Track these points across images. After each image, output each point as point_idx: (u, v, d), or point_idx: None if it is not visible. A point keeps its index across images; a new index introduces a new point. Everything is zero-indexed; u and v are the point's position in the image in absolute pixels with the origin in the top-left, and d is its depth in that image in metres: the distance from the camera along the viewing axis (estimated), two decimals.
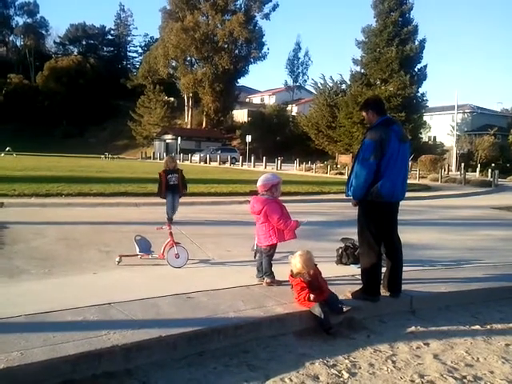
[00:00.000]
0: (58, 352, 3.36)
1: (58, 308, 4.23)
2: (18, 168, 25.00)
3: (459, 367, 3.81)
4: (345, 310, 4.52)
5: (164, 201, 9.80)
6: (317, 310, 4.35)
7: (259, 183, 5.49)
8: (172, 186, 9.63)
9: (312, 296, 4.44)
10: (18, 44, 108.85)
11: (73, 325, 3.88)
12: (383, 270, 5.09)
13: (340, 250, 6.55)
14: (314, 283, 4.57)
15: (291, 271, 4.75)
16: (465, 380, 3.59)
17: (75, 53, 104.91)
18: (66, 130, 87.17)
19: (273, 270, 5.40)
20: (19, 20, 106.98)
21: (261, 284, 5.33)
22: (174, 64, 75.54)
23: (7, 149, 55.20)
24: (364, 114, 5.16)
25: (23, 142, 71.02)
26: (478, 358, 4.00)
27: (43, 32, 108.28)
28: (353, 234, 5.72)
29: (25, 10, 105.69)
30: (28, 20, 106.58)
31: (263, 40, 72.97)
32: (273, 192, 5.43)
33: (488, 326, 4.79)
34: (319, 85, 56.22)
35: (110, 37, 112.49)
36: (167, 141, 67.94)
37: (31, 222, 9.33)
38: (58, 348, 3.42)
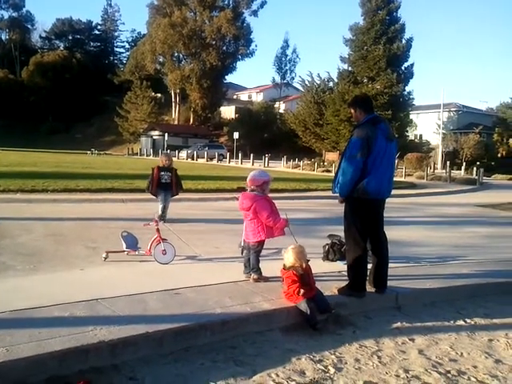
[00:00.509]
0: (45, 348, 3.35)
1: (45, 304, 4.21)
2: (3, 163, 24.73)
3: (443, 362, 3.87)
4: (333, 311, 4.55)
5: (150, 196, 9.75)
6: (303, 305, 4.38)
7: (251, 178, 5.45)
8: (164, 185, 9.28)
9: (302, 291, 4.45)
10: (3, 38, 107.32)
11: (59, 321, 3.87)
12: (369, 266, 5.13)
13: (327, 247, 6.59)
14: (306, 278, 4.59)
15: (284, 265, 4.76)
16: (449, 374, 3.64)
17: (61, 48, 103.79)
18: (51, 125, 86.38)
19: (260, 266, 5.42)
20: (4, 14, 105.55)
21: (248, 280, 5.35)
22: (161, 60, 75.16)
23: None
24: (352, 111, 5.19)
25: (8, 137, 70.15)
26: (461, 353, 4.06)
27: (29, 26, 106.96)
28: (339, 230, 5.76)
29: (10, 4, 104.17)
30: (13, 14, 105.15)
31: (251, 37, 72.92)
32: (263, 189, 5.43)
33: (472, 322, 4.86)
34: (307, 82, 56.30)
35: (96, 32, 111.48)
36: (154, 137, 67.60)
37: (17, 218, 9.25)
38: (45, 344, 3.40)
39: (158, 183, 9.25)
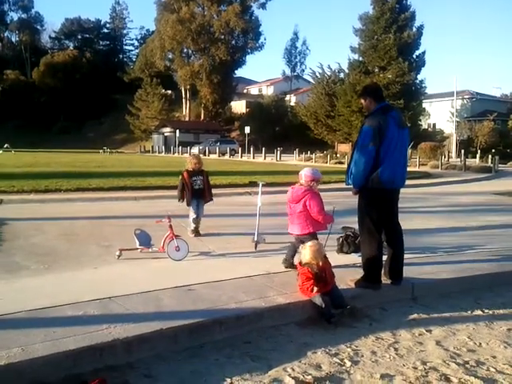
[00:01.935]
0: (59, 347, 3.35)
1: (59, 303, 4.22)
2: (17, 164, 24.96)
3: (462, 353, 3.81)
4: (348, 307, 4.51)
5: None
6: (317, 299, 4.35)
7: (307, 173, 5.61)
8: (197, 191, 7.85)
9: (316, 288, 4.43)
10: (14, 40, 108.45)
11: (74, 320, 3.87)
12: (384, 257, 5.07)
13: (341, 239, 6.54)
14: (321, 275, 4.55)
15: (300, 261, 4.75)
16: (467, 365, 3.59)
17: (71, 47, 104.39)
18: (63, 125, 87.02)
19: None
20: (14, 15, 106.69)
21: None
22: (170, 56, 75.25)
23: (5, 145, 55.19)
24: (362, 101, 5.14)
25: (20, 137, 70.93)
26: (480, 344, 3.99)
27: (38, 27, 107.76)
28: (353, 222, 5.70)
29: (19, 6, 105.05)
30: (23, 15, 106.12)
31: (260, 30, 72.81)
32: (311, 185, 5.53)
33: (490, 312, 4.78)
34: (317, 74, 55.96)
35: (105, 30, 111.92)
36: (165, 134, 67.75)
37: (30, 218, 9.30)
38: (59, 343, 3.41)
39: (192, 190, 7.83)
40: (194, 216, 7.78)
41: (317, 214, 5.39)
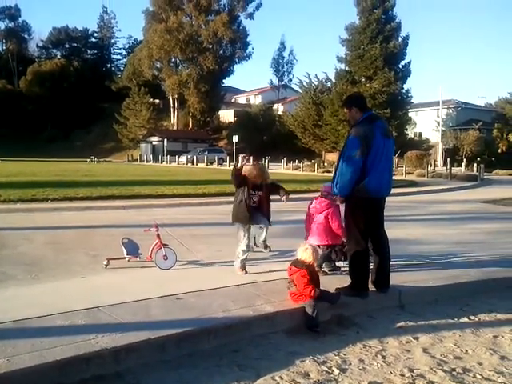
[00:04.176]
0: (46, 357, 3.33)
1: (46, 313, 4.19)
2: (3, 174, 24.71)
3: (448, 360, 3.84)
4: (340, 287, 4.76)
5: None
6: (311, 305, 4.34)
7: (322, 187, 6.00)
8: (252, 209, 5.88)
9: (318, 291, 4.46)
10: (0, 49, 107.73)
11: (61, 330, 3.85)
12: (371, 265, 5.11)
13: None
14: (314, 277, 4.62)
15: (296, 262, 4.70)
16: (454, 372, 3.62)
17: (58, 56, 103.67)
18: (50, 134, 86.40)
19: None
20: (1, 24, 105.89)
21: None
22: (158, 65, 75.16)
23: None
24: (346, 110, 5.15)
25: (8, 147, 70.22)
26: (466, 351, 4.03)
27: (25, 36, 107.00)
28: None
29: (6, 14, 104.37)
30: (10, 24, 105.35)
31: (248, 40, 72.93)
32: (334, 199, 5.52)
33: (476, 319, 4.84)
34: (304, 83, 56.23)
35: (93, 39, 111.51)
36: (154, 143, 67.66)
37: (18, 228, 9.23)
38: (46, 353, 3.38)
39: (247, 206, 5.81)
40: (245, 247, 5.79)
41: (337, 227, 5.66)
